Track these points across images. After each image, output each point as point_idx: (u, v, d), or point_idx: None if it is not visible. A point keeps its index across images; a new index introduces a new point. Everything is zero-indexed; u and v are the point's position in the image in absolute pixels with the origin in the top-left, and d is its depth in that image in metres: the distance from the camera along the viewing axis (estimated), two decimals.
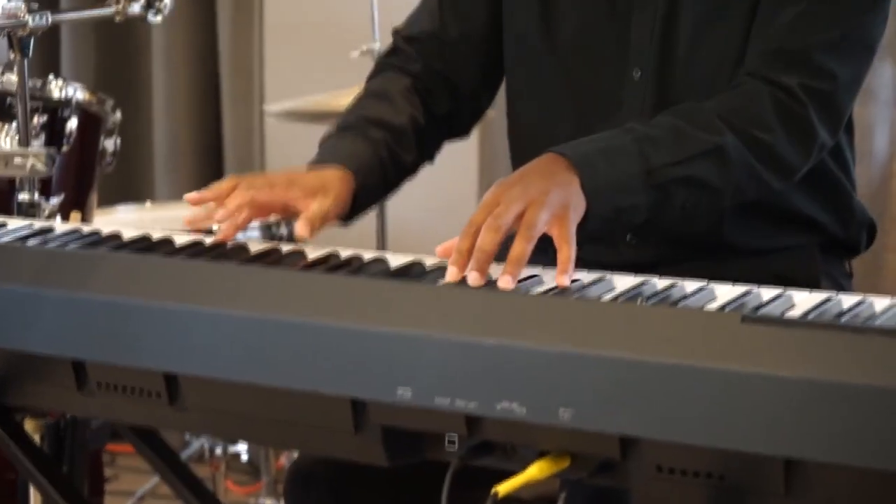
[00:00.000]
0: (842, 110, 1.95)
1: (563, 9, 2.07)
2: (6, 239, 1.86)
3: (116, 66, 4.19)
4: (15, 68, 2.58)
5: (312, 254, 1.75)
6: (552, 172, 1.73)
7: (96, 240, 1.85)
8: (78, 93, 2.96)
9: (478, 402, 1.33)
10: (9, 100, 2.82)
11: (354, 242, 1.93)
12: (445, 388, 1.35)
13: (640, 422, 1.26)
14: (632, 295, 1.52)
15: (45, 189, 2.74)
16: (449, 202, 3.75)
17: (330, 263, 1.70)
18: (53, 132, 2.92)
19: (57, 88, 2.94)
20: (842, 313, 1.42)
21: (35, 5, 2.55)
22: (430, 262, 1.68)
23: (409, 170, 2.10)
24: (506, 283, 1.54)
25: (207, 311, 1.50)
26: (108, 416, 1.81)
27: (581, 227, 1.69)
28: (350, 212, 1.95)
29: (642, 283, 1.55)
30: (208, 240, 1.85)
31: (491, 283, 1.56)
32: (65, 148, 2.91)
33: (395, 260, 1.70)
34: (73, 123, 2.93)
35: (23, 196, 2.57)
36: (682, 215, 1.86)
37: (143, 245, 1.82)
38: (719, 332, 1.27)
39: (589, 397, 1.28)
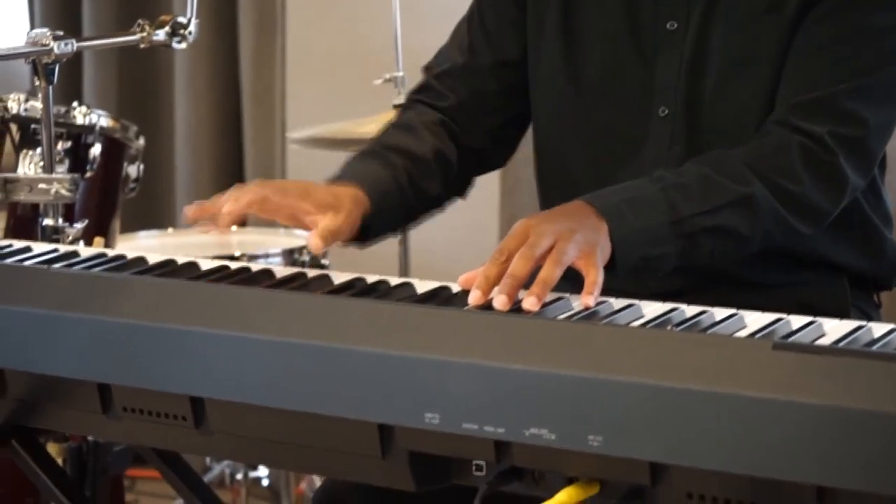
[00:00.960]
0: (873, 154, 1.95)
1: (588, 47, 2.07)
2: (31, 263, 1.86)
3: (139, 93, 4.21)
4: (40, 95, 2.60)
5: (338, 279, 1.75)
6: (581, 216, 1.73)
7: (121, 264, 1.85)
8: (102, 119, 2.97)
9: (506, 427, 1.33)
10: (33, 126, 2.83)
11: (377, 269, 1.93)
12: (474, 414, 1.34)
13: (671, 448, 1.25)
14: (661, 321, 1.51)
15: (69, 215, 2.75)
16: (471, 229, 3.75)
17: (356, 288, 1.70)
18: (77, 158, 2.92)
19: (81, 115, 2.95)
20: (873, 342, 1.41)
21: (60, 33, 2.57)
22: (456, 287, 1.67)
23: (433, 200, 2.10)
24: (531, 304, 1.54)
25: (234, 336, 1.50)
26: (132, 441, 1.80)
27: (609, 276, 1.69)
28: (366, 234, 1.94)
29: (672, 310, 1.55)
30: (234, 265, 1.84)
31: (517, 309, 1.55)
32: (88, 174, 2.92)
33: (422, 286, 1.69)
34: (96, 150, 2.94)
35: (47, 221, 2.58)
36: (711, 262, 1.87)
37: (168, 269, 1.82)
38: (750, 359, 1.27)
39: (619, 424, 1.27)
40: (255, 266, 1.84)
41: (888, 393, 1.19)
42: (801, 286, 2.02)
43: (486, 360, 1.35)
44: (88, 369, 1.61)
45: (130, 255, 1.92)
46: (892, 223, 2.15)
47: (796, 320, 1.49)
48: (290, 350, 1.45)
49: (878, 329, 1.45)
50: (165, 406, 1.58)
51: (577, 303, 1.59)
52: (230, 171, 4.18)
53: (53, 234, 2.59)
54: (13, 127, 2.88)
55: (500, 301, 1.54)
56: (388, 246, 3.26)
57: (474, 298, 1.58)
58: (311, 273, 1.78)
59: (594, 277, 1.60)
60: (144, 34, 2.77)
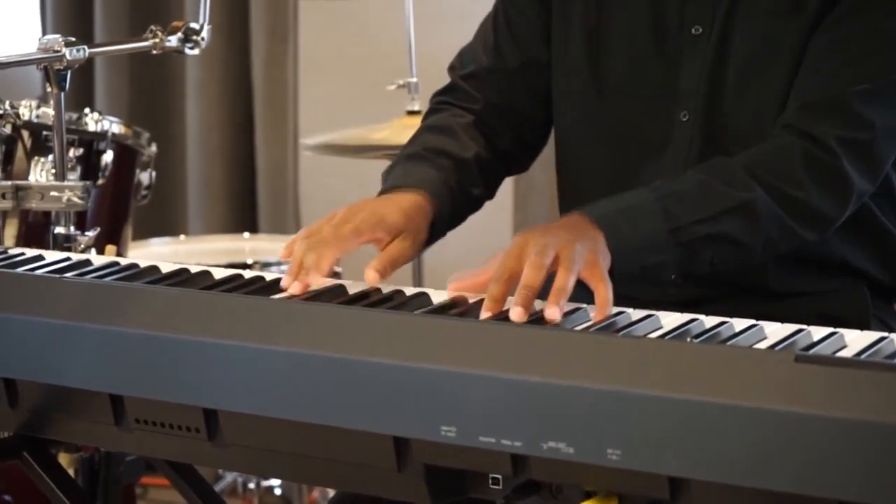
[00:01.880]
0: (882, 158, 1.94)
1: (612, 49, 2.07)
2: (43, 272, 1.86)
3: (151, 99, 4.22)
4: (51, 102, 2.59)
5: (353, 289, 1.75)
6: (577, 228, 1.74)
7: (134, 273, 1.85)
8: (114, 126, 2.98)
9: (523, 441, 1.31)
10: (45, 133, 2.83)
11: (391, 277, 1.92)
12: (490, 427, 1.33)
13: (691, 463, 1.24)
14: (680, 333, 1.50)
15: (81, 222, 2.74)
16: (484, 235, 3.74)
17: (371, 299, 1.69)
18: (89, 165, 2.93)
19: (93, 121, 2.96)
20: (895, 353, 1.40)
21: (72, 39, 2.56)
22: (472, 298, 1.66)
23: (476, 202, 2.10)
24: (553, 313, 1.54)
25: (248, 347, 1.48)
26: (145, 452, 1.79)
27: (630, 285, 1.70)
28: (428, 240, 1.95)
29: (691, 321, 1.54)
30: (247, 274, 1.84)
31: (534, 320, 1.54)
32: (100, 181, 2.93)
33: (438, 296, 1.69)
34: (108, 156, 2.94)
35: (59, 229, 2.57)
36: (713, 269, 1.85)
37: (182, 279, 1.82)
38: (772, 371, 1.25)
39: (638, 437, 1.26)
40: (269, 275, 1.84)
41: None
42: (821, 296, 2.02)
43: (502, 372, 1.33)
44: (101, 380, 1.59)
45: (143, 263, 1.92)
46: None
47: (817, 331, 1.49)
48: (305, 361, 1.44)
49: None
50: (178, 418, 1.57)
51: (594, 313, 1.59)
52: (242, 178, 4.19)
53: (65, 242, 2.58)
54: (25, 134, 2.88)
55: (516, 313, 1.54)
56: None
57: (484, 316, 1.57)
58: (326, 282, 1.77)
59: (604, 294, 1.59)
60: (157, 40, 2.77)
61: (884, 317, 2.08)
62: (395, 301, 1.68)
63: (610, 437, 1.27)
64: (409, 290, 1.72)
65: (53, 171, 2.68)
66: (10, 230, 2.86)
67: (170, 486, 1.94)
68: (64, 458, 2.20)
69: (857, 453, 1.17)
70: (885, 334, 1.46)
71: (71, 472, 2.20)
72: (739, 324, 1.53)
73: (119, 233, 3.04)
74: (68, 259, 1.96)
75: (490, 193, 2.14)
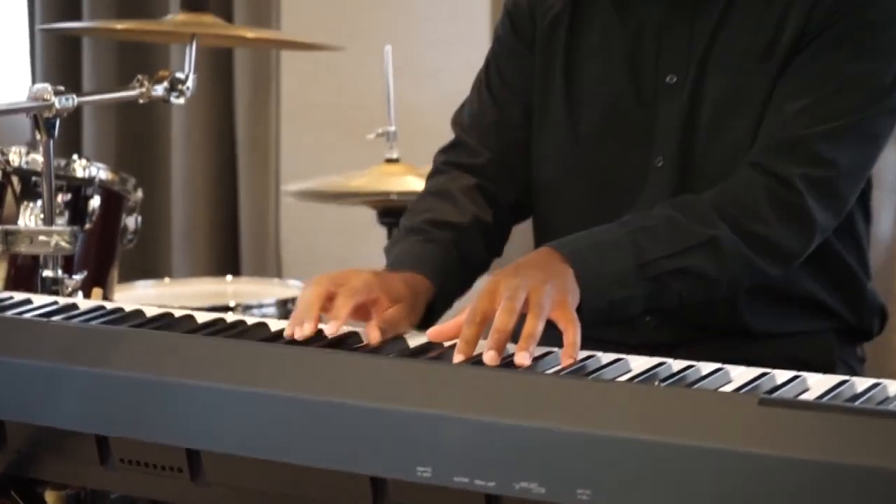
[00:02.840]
0: (843, 196, 1.95)
1: (590, 95, 2.08)
2: (31, 315, 1.86)
3: (137, 146, 4.21)
4: (41, 148, 2.59)
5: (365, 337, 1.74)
6: (547, 264, 1.75)
7: (119, 317, 1.85)
8: (101, 172, 2.97)
9: (496, 481, 1.31)
10: (34, 179, 2.83)
11: None
12: (465, 468, 1.32)
13: (659, 502, 1.24)
14: (648, 376, 1.51)
15: (68, 266, 2.74)
16: None
17: (348, 343, 1.69)
18: (77, 210, 2.92)
19: (81, 168, 2.95)
20: (856, 396, 1.40)
21: (61, 88, 2.57)
22: (447, 342, 1.67)
23: (480, 267, 2.09)
24: (522, 358, 1.53)
25: (228, 389, 1.48)
26: (130, 491, 1.77)
27: (603, 327, 1.73)
28: (429, 316, 1.91)
29: (658, 365, 1.54)
30: (229, 318, 1.84)
31: (506, 364, 1.55)
32: (87, 226, 2.92)
33: (414, 340, 1.69)
34: (95, 202, 2.93)
35: (47, 272, 2.56)
36: (681, 303, 1.86)
37: (165, 322, 1.82)
38: (737, 413, 1.26)
39: (607, 478, 1.26)
40: (250, 319, 1.83)
41: (873, 448, 1.18)
42: (790, 339, 2.03)
43: (476, 414, 1.33)
44: (86, 421, 1.59)
45: (128, 307, 1.92)
46: (871, 272, 2.15)
47: (781, 375, 1.49)
48: (284, 403, 1.44)
49: (860, 384, 1.45)
50: (162, 458, 1.56)
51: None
52: (225, 223, 4.19)
53: (53, 286, 2.57)
54: (14, 179, 2.87)
55: (489, 356, 1.54)
56: None
57: (457, 360, 1.57)
58: None
59: (572, 337, 1.59)
60: (143, 89, 2.78)
61: (848, 360, 2.10)
62: (371, 345, 1.68)
63: (580, 477, 1.26)
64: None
65: (42, 215, 2.68)
66: (0, 271, 2.86)
67: None
68: (51, 496, 2.18)
69: (820, 494, 1.17)
70: (846, 378, 1.47)
71: None
72: (705, 367, 1.53)
73: (105, 276, 3.04)
74: (56, 303, 1.96)
75: (497, 252, 2.13)
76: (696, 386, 1.47)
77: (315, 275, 3.62)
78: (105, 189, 2.97)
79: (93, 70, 4.15)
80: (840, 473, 1.17)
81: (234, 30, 3.47)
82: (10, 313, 1.86)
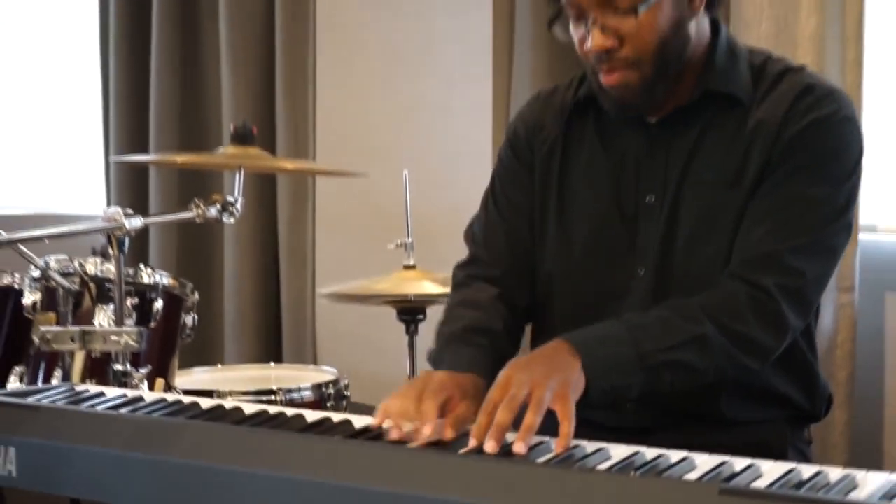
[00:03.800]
0: (810, 302, 1.95)
1: (580, 211, 2.07)
2: (103, 407, 1.85)
3: (194, 253, 4.23)
4: (113, 260, 2.61)
5: (358, 423, 1.73)
6: (556, 357, 1.74)
7: (178, 409, 1.84)
8: (164, 279, 2.98)
9: None
10: (107, 285, 2.83)
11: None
12: None
13: None
14: (625, 465, 1.49)
15: (136, 360, 2.75)
16: None
17: (372, 433, 1.68)
18: (143, 312, 2.92)
19: (147, 275, 2.96)
20: (802, 483, 1.39)
21: (130, 210, 2.58)
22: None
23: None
24: (519, 448, 1.53)
25: (269, 475, 1.48)
26: None
27: (584, 398, 1.70)
28: None
29: (634, 454, 1.53)
30: (273, 409, 1.83)
31: (506, 452, 1.54)
32: (152, 324, 2.92)
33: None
34: (159, 304, 2.94)
35: (117, 366, 2.58)
36: (671, 391, 1.85)
37: (217, 414, 1.81)
38: (699, 501, 1.25)
39: None
40: (290, 410, 1.82)
41: None
42: (750, 425, 2.01)
43: (476, 498, 1.34)
44: (148, 500, 1.58)
45: (186, 400, 1.91)
46: (819, 364, 2.14)
47: (738, 463, 1.48)
48: (316, 488, 1.44)
49: (806, 471, 1.44)
50: None
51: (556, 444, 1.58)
52: (268, 319, 4.19)
53: (123, 377, 2.58)
54: (91, 286, 2.88)
55: (490, 446, 1.54)
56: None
57: (471, 445, 1.56)
58: (336, 418, 1.76)
59: (567, 430, 1.59)
60: (199, 211, 2.79)
61: (798, 444, 2.08)
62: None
63: None
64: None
65: (114, 317, 2.68)
66: (78, 365, 2.85)
67: None
68: None
69: None
70: (794, 465, 1.45)
71: None
72: (674, 455, 1.52)
73: (167, 367, 3.03)
74: (125, 395, 1.95)
75: (518, 347, 2.11)
76: (665, 474, 1.45)
77: (344, 361, 3.62)
78: (167, 293, 2.98)
79: (157, 194, 4.17)
80: None
81: (276, 161, 3.49)
82: (85, 405, 1.86)
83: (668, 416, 1.98)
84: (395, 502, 1.38)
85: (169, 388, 2.98)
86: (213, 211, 2.81)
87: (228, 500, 1.51)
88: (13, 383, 2.91)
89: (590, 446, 1.58)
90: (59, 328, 2.60)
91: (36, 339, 2.59)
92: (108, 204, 4.21)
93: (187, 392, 3.04)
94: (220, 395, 3.02)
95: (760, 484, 1.40)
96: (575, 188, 2.08)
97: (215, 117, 4.14)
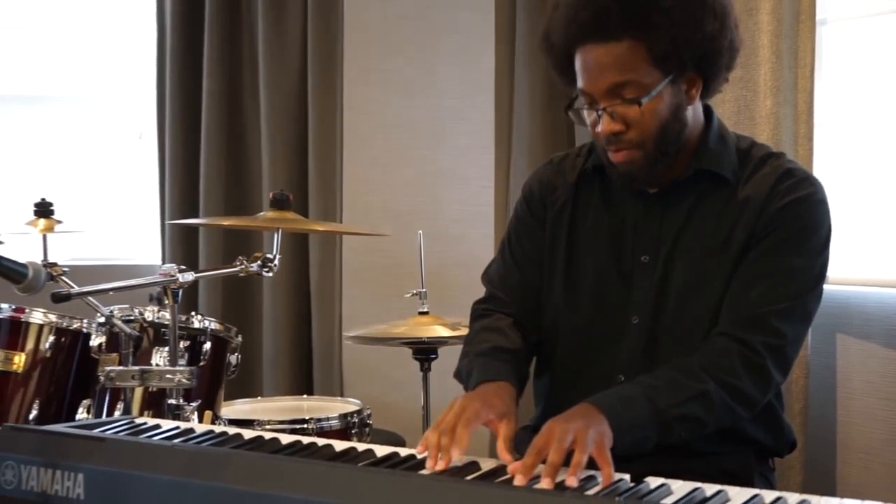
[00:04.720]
0: (791, 358, 1.95)
1: (583, 267, 2.07)
2: (158, 438, 1.85)
3: (237, 300, 4.21)
4: (168, 309, 2.61)
5: (380, 452, 1.72)
6: (589, 415, 1.72)
7: (224, 440, 1.84)
8: (212, 324, 2.98)
9: None
10: (163, 330, 2.84)
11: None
12: None
13: None
14: (609, 491, 1.48)
15: (188, 395, 2.75)
16: None
17: (392, 461, 1.67)
18: (194, 352, 2.93)
19: (197, 321, 2.96)
20: None
21: (183, 267, 2.59)
22: (486, 465, 1.65)
23: (525, 383, 2.05)
24: (572, 482, 1.52)
25: (302, 499, 1.47)
26: None
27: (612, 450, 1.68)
28: None
29: (619, 481, 1.52)
30: (305, 440, 1.82)
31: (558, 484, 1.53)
32: (201, 363, 2.92)
33: (486, 464, 1.65)
34: (207, 346, 2.95)
35: (171, 400, 2.57)
36: (680, 440, 1.84)
37: (257, 444, 1.81)
38: None
39: None
40: (321, 441, 1.81)
41: None
42: (723, 456, 1.99)
43: None
44: None
45: (231, 431, 1.90)
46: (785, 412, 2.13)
47: (709, 489, 1.47)
48: None
49: (768, 497, 1.43)
50: None
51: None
52: (301, 357, 4.17)
53: (176, 410, 2.58)
54: (149, 331, 2.89)
55: (546, 482, 1.53)
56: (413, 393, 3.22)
57: (519, 482, 1.54)
58: (360, 447, 1.75)
59: (608, 472, 1.57)
60: (242, 266, 2.81)
61: (763, 472, 2.07)
62: (415, 462, 1.66)
63: None
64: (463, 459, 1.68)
65: (168, 357, 2.69)
66: (137, 399, 2.85)
67: None
68: None
69: None
70: (757, 491, 1.44)
71: None
72: (653, 482, 1.51)
73: (214, 399, 3.03)
74: (178, 427, 1.95)
75: (530, 370, 2.11)
76: (645, 499, 1.45)
77: (367, 394, 3.58)
78: (214, 336, 2.98)
79: (206, 251, 4.17)
80: None
81: (309, 223, 3.50)
82: (144, 436, 1.86)
83: (657, 448, 1.96)
84: None
85: (216, 418, 2.98)
86: (254, 266, 2.83)
87: None
88: (81, 414, 2.91)
89: (581, 474, 1.57)
90: (121, 367, 2.61)
91: (101, 377, 2.60)
92: (164, 260, 4.21)
93: (231, 421, 3.03)
94: (260, 423, 3.02)
95: None
96: (580, 244, 2.08)
97: (256, 185, 4.15)
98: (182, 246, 4.19)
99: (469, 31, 3.91)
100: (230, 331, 3.07)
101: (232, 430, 1.91)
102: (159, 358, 2.85)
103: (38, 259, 2.81)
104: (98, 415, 2.88)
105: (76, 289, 2.63)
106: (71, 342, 3.00)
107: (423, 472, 1.61)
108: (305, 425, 3.04)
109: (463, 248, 3.92)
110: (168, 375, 2.52)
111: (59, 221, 3.08)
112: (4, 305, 2.97)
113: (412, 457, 1.69)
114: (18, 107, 4.41)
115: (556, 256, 2.09)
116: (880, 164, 3.04)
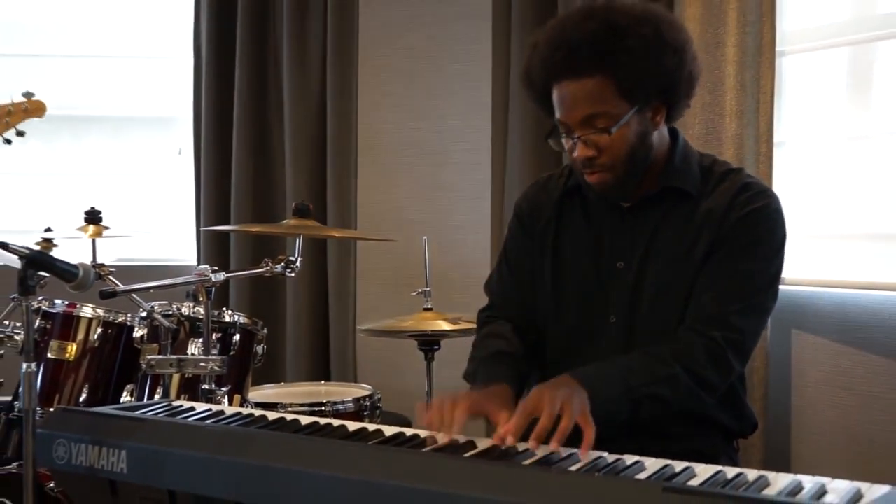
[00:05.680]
0: (748, 352, 1.95)
1: (568, 272, 2.07)
2: (193, 419, 1.85)
3: (264, 297, 4.21)
4: (202, 304, 2.62)
5: (388, 432, 1.71)
6: (573, 386, 1.73)
7: (250, 420, 1.84)
8: (241, 318, 2.98)
9: None
10: (197, 323, 2.84)
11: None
12: None
13: None
14: (590, 467, 1.48)
15: (219, 381, 2.75)
16: None
17: (400, 439, 1.66)
18: (224, 344, 2.93)
19: (228, 316, 2.97)
20: (727, 482, 1.38)
21: (215, 268, 2.60)
22: (482, 444, 1.64)
23: (525, 381, 2.03)
24: (556, 446, 1.53)
25: (319, 473, 1.47)
26: None
27: None
28: None
29: (598, 458, 1.52)
30: (322, 421, 1.82)
31: (540, 461, 1.52)
32: (232, 353, 2.92)
33: (482, 443, 1.64)
34: (237, 338, 2.95)
35: (205, 386, 2.58)
36: (649, 417, 1.84)
37: (280, 424, 1.80)
38: (646, 497, 1.24)
39: None
40: (336, 422, 1.81)
41: None
42: (692, 438, 1.99)
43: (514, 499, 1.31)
44: (230, 492, 1.57)
45: (256, 412, 1.90)
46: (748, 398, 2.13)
47: (678, 465, 1.47)
48: (352, 485, 1.42)
49: (730, 472, 1.43)
50: None
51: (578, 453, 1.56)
52: (319, 349, 4.16)
53: (209, 395, 2.58)
54: (186, 324, 2.89)
55: (532, 445, 1.53)
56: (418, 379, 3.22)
57: (509, 442, 1.55)
58: (371, 428, 1.74)
59: (590, 435, 1.58)
60: (268, 268, 2.81)
61: (729, 453, 2.07)
62: (416, 441, 1.65)
63: None
64: (462, 439, 1.67)
65: (202, 348, 2.69)
66: (174, 385, 2.86)
67: None
68: None
69: None
70: (721, 468, 1.44)
71: None
72: (629, 459, 1.51)
73: (243, 386, 3.02)
74: (210, 409, 1.94)
75: (531, 368, 2.10)
76: (621, 474, 1.44)
77: (378, 381, 3.58)
78: (243, 329, 2.98)
79: (236, 254, 4.16)
80: None
81: (327, 230, 3.50)
82: (180, 417, 1.86)
83: (627, 429, 1.96)
84: (419, 498, 1.36)
85: (244, 401, 2.98)
86: (278, 268, 2.83)
87: (287, 493, 1.50)
88: (125, 397, 2.91)
89: (564, 452, 1.57)
90: (160, 356, 2.61)
91: (143, 365, 2.60)
92: (199, 262, 4.21)
93: (258, 404, 3.03)
94: (283, 406, 3.01)
95: (695, 482, 1.39)
96: (564, 254, 2.08)
97: (281, 196, 4.15)
98: (215, 249, 4.19)
99: (469, 62, 3.93)
100: (257, 324, 3.07)
101: (258, 412, 1.91)
102: (194, 348, 2.85)
103: (88, 260, 2.82)
104: (140, 398, 2.88)
105: (121, 287, 2.64)
106: (116, 334, 3.00)
107: (426, 449, 1.60)
108: (323, 408, 3.03)
109: (463, 253, 3.93)
110: (202, 364, 2.53)
111: (106, 227, 3.08)
112: (58, 301, 2.98)
113: (416, 436, 1.69)
114: (74, 126, 4.42)
115: (544, 266, 2.10)
116: (832, 180, 3.04)
